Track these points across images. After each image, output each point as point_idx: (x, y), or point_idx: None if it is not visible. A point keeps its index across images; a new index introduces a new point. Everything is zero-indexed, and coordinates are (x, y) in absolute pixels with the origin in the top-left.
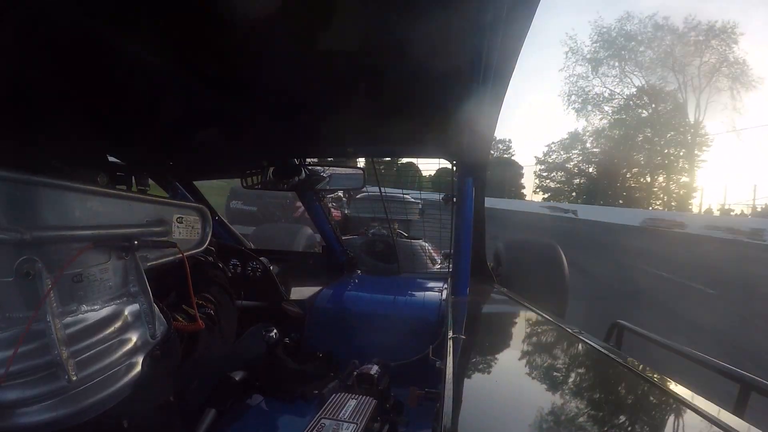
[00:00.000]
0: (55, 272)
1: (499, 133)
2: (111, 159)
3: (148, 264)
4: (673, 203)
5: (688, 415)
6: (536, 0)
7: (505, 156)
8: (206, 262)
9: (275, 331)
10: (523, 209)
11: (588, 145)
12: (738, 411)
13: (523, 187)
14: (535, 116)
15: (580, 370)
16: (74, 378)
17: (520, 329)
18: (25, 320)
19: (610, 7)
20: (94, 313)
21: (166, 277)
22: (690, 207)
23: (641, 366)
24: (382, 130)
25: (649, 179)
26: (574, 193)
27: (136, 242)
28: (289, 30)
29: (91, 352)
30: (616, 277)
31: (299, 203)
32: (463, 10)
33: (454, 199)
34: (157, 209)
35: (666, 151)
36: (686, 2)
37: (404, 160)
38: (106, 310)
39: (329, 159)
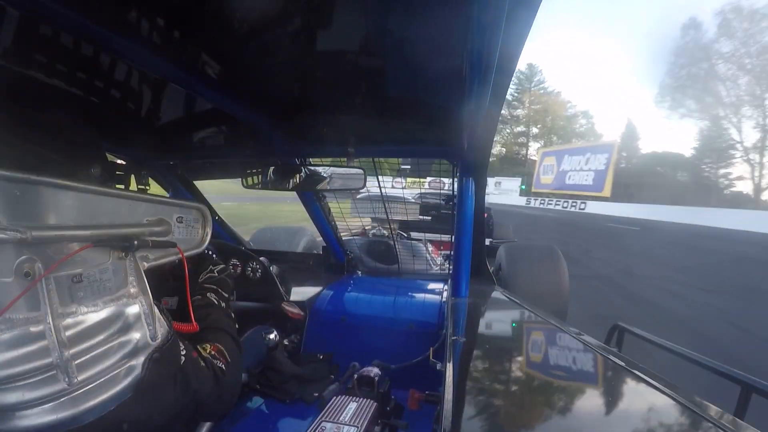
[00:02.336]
0: (54, 271)
1: None
2: (111, 158)
3: (148, 264)
4: None
5: (689, 417)
6: (537, 0)
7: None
8: (220, 308)
9: (275, 333)
10: None
11: None
12: (739, 412)
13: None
14: None
15: (580, 372)
16: (75, 380)
17: (520, 331)
18: (25, 321)
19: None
20: (94, 315)
21: (167, 280)
22: None
23: (642, 368)
24: (382, 129)
25: None
26: None
27: (136, 242)
28: (289, 30)
29: (92, 354)
30: None
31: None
32: (463, 10)
33: (455, 199)
34: (157, 209)
35: None
36: None
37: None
38: (106, 311)
39: (329, 159)
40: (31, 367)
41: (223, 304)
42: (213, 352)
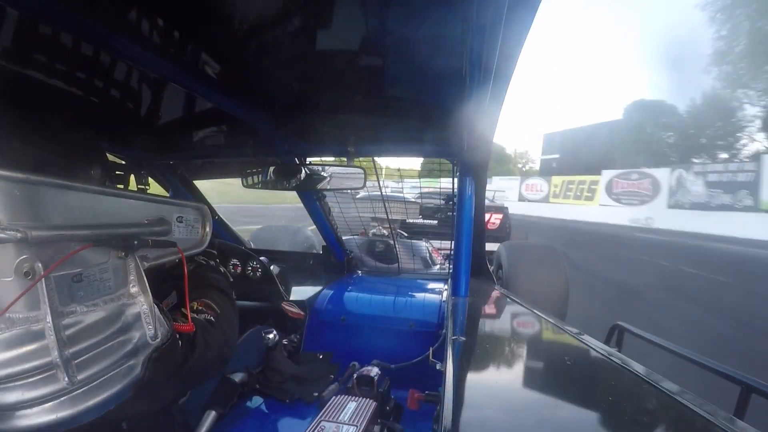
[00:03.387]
0: (54, 271)
1: None
2: (111, 158)
3: (148, 264)
4: None
5: (689, 417)
6: (537, 0)
7: None
8: (207, 266)
9: (275, 332)
10: None
11: None
12: (738, 413)
13: None
14: None
15: (580, 372)
16: (74, 379)
17: (520, 331)
18: (25, 320)
19: None
20: (94, 314)
21: (166, 278)
22: None
23: (642, 368)
24: (382, 129)
25: None
26: None
27: (136, 242)
28: (289, 30)
29: (92, 353)
30: None
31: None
32: (463, 10)
33: (455, 199)
34: (157, 208)
35: None
36: None
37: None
38: (106, 311)
39: (330, 158)
40: (30, 366)
41: (211, 262)
42: (200, 307)
